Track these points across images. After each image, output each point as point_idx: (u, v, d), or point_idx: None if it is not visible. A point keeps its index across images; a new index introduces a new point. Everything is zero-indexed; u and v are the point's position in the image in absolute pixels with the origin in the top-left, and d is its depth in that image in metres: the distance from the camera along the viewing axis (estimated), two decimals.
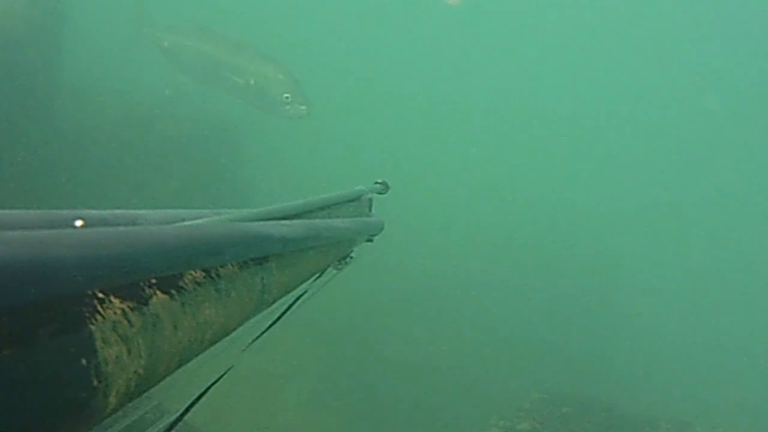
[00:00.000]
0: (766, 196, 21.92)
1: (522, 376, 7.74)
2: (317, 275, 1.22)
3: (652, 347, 11.10)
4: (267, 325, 1.02)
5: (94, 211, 0.71)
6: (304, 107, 6.86)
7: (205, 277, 0.74)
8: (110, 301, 0.56)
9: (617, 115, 24.18)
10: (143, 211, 0.80)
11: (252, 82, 6.91)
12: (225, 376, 0.95)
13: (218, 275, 0.77)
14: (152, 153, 7.42)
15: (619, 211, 18.08)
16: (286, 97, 6.80)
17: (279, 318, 1.04)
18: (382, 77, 20.62)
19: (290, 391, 6.72)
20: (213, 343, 0.77)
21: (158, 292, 0.64)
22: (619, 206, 18.48)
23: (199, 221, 0.78)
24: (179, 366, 0.69)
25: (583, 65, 25.06)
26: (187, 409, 0.76)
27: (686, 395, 9.16)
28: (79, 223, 0.65)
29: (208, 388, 0.85)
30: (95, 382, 0.52)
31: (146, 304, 0.61)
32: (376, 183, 1.66)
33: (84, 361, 0.51)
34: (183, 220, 0.79)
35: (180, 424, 0.81)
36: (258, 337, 0.99)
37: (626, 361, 10.03)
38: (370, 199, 1.62)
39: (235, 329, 0.84)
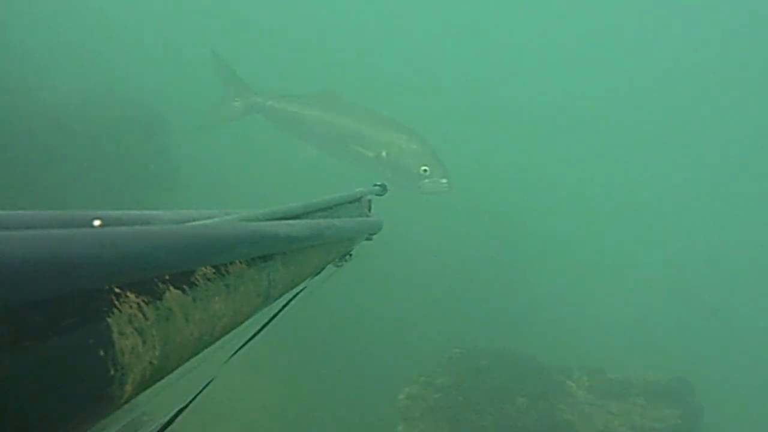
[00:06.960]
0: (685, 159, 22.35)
1: (446, 334, 7.87)
2: (319, 272, 1.26)
3: (566, 304, 11.48)
4: (263, 323, 1.04)
5: (110, 212, 0.74)
6: (444, 181, 6.13)
7: (215, 274, 0.78)
8: (126, 296, 0.59)
9: (553, 87, 24.49)
10: (156, 212, 0.83)
11: (384, 154, 6.19)
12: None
13: (227, 272, 0.80)
14: (80, 142, 7.25)
15: (536, 178, 18.30)
16: (424, 170, 6.07)
17: (277, 314, 1.07)
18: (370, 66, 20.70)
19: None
20: (222, 335, 0.81)
21: (171, 287, 0.67)
22: (536, 173, 18.65)
23: (210, 221, 0.81)
24: (191, 356, 0.72)
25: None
26: (180, 411, 0.77)
27: (599, 346, 9.47)
28: (97, 222, 0.69)
29: (202, 389, 0.86)
30: (112, 372, 0.55)
31: (160, 298, 0.65)
32: (375, 185, 1.74)
33: (102, 352, 0.54)
34: (194, 219, 0.83)
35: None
36: (254, 336, 1.01)
37: (542, 318, 10.33)
38: (370, 200, 1.69)
39: (242, 322, 0.88)
